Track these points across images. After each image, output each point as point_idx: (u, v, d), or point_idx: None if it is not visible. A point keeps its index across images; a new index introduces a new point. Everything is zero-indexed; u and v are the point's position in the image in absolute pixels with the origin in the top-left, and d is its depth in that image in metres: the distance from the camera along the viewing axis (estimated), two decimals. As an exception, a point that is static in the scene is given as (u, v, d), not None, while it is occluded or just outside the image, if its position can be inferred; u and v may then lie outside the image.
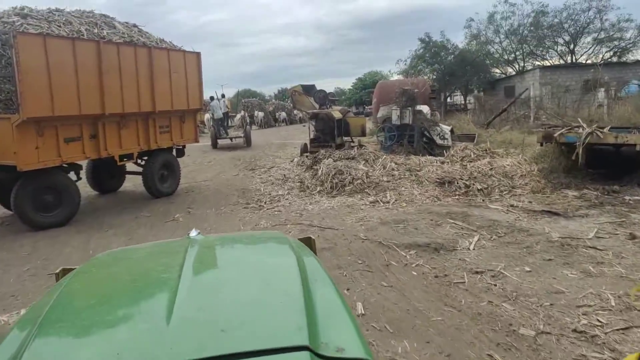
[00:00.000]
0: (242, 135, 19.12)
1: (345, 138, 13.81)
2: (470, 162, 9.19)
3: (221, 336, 0.99)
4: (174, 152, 10.00)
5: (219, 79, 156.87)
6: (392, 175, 8.82)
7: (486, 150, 9.62)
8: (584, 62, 31.63)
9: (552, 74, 27.57)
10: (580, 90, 25.55)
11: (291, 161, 13.21)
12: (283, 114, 38.11)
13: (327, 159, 10.40)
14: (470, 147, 9.96)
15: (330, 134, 13.46)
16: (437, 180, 7.87)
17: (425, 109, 12.78)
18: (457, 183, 7.48)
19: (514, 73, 34.20)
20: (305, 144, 13.84)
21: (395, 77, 27.81)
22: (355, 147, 13.13)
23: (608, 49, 34.83)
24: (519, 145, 12.45)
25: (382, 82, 22.79)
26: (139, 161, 9.24)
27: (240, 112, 21.60)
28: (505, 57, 34.11)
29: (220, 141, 18.92)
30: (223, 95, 24.60)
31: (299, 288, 1.17)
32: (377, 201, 7.32)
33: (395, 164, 9.50)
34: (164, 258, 1.54)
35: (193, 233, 1.70)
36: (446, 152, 11.98)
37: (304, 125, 37.50)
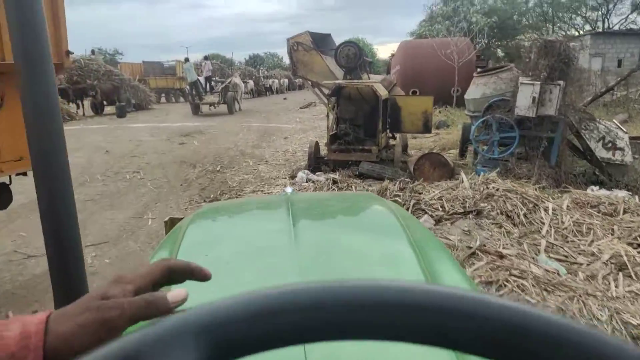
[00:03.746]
0: (218, 102, 17.70)
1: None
2: None
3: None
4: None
5: (185, 42, 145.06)
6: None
7: None
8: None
9: (605, 42, 21.80)
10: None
11: (292, 179, 6.84)
12: (250, 83, 31.29)
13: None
14: None
15: (368, 126, 7.10)
16: None
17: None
18: None
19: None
20: (316, 144, 7.43)
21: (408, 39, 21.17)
22: (407, 159, 6.86)
23: (648, 17, 29.38)
24: None
25: (407, 42, 16.30)
26: None
27: (234, 78, 19.27)
28: (531, 21, 28.09)
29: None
30: (206, 58, 23.26)
31: (411, 253, 1.08)
32: None
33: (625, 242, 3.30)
34: (269, 211, 1.53)
35: (288, 189, 1.74)
36: (624, 176, 5.87)
37: (285, 99, 30.71)
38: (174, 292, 0.45)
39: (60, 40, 3.42)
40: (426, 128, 7.15)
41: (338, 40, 8.45)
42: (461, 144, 7.40)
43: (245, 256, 1.13)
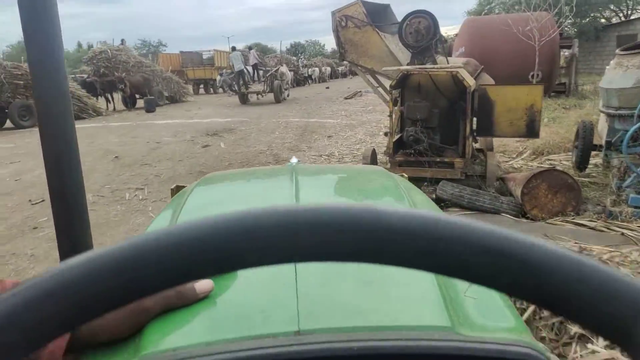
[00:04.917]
0: (264, 90, 17.61)
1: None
2: None
3: None
4: None
5: (228, 32, 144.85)
6: None
7: None
8: None
9: None
10: None
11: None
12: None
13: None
14: None
15: (447, 129, 5.08)
16: None
17: None
18: None
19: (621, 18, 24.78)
20: (373, 153, 5.48)
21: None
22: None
23: None
24: None
25: (474, 19, 13.91)
26: None
27: (281, 66, 19.01)
28: (608, -6, 24.52)
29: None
30: (250, 48, 23.53)
31: None
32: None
33: None
34: (273, 178, 1.51)
35: (294, 160, 1.75)
36: None
37: (327, 88, 28.62)
38: (200, 283, 0.56)
39: None
40: (532, 130, 4.98)
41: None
42: (581, 151, 5.20)
43: None
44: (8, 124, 13.09)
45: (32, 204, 5.31)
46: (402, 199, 1.09)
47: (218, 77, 19.95)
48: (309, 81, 32.99)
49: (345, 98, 18.09)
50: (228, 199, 1.29)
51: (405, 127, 5.06)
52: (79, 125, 12.87)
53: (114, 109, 17.71)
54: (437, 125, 5.10)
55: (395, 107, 5.20)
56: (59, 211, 0.91)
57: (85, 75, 17.79)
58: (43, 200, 5.40)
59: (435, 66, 4.96)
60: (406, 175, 1.80)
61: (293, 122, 11.80)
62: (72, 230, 0.93)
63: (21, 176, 6.65)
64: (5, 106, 12.50)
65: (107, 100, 17.55)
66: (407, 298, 0.66)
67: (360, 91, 19.99)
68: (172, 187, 1.74)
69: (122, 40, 19.61)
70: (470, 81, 4.77)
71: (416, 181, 4.97)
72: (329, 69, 40.13)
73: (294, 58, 37.40)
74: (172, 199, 1.44)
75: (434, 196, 4.68)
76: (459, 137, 5.09)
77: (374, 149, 5.51)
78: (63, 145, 0.90)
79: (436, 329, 0.57)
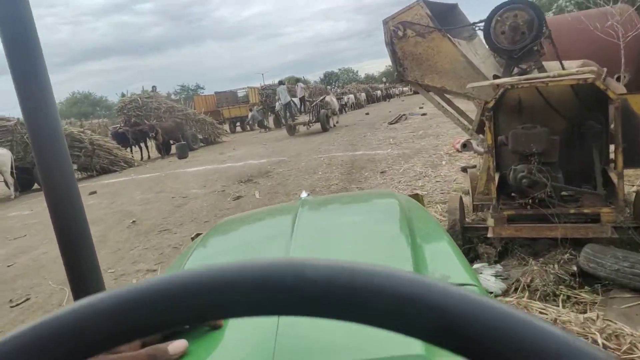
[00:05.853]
0: (309, 121, 17.54)
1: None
2: None
3: None
4: None
5: (263, 69, 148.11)
6: None
7: None
8: None
9: None
10: None
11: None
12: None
13: None
14: None
15: (575, 164, 3.43)
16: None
17: None
18: None
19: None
20: (461, 203, 3.86)
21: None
22: None
23: None
24: None
25: (556, 17, 12.20)
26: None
27: (327, 96, 19.52)
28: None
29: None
30: (298, 80, 25.66)
31: (406, 244, 1.03)
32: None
33: None
34: (278, 219, 1.55)
35: (304, 194, 1.72)
36: None
37: (367, 114, 27.08)
38: (174, 344, 0.52)
39: None
40: None
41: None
42: None
43: None
44: (36, 186, 12.45)
45: (11, 307, 4.04)
46: (403, 226, 1.09)
47: (250, 114, 19.15)
48: (345, 109, 31.74)
49: (390, 123, 16.57)
50: (231, 246, 1.33)
51: (512, 166, 3.46)
52: (107, 180, 11.73)
53: (148, 157, 16.99)
54: (556, 160, 3.47)
55: (492, 136, 3.62)
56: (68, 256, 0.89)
57: (117, 126, 17.28)
58: (27, 300, 4.13)
59: (552, 74, 3.37)
60: (421, 195, 1.82)
61: (337, 157, 10.35)
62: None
63: (17, 259, 5.50)
64: (30, 167, 11.82)
65: (140, 150, 16.89)
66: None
67: (404, 114, 18.47)
68: (193, 235, 1.82)
69: (153, 87, 19.12)
70: (612, 92, 3.15)
71: (537, 242, 3.35)
72: (364, 94, 38.90)
73: (328, 87, 36.46)
74: (187, 247, 1.49)
75: (574, 268, 3.04)
76: (593, 174, 3.44)
77: (461, 198, 3.91)
78: (68, 202, 0.86)
79: (410, 358, 0.58)
